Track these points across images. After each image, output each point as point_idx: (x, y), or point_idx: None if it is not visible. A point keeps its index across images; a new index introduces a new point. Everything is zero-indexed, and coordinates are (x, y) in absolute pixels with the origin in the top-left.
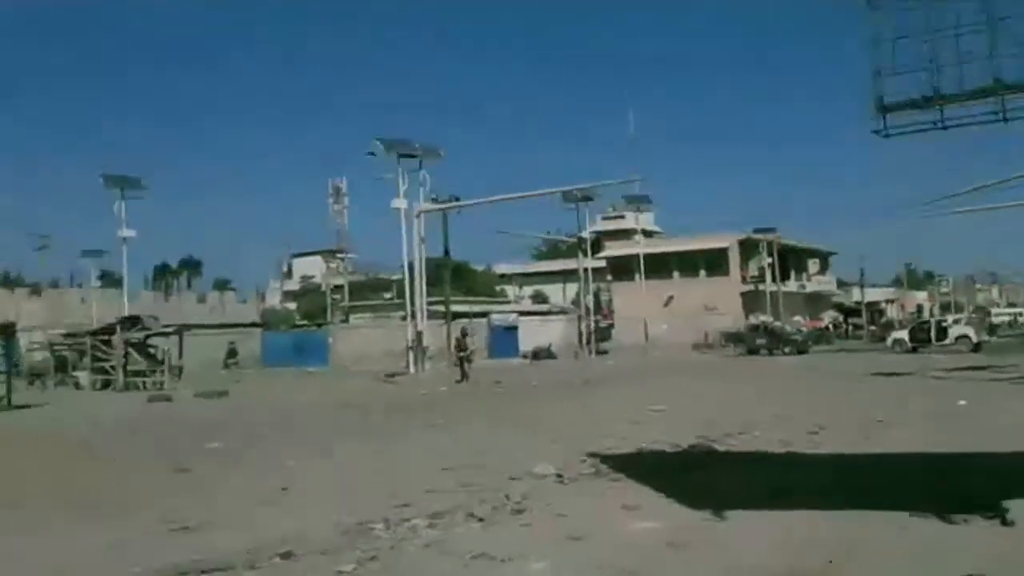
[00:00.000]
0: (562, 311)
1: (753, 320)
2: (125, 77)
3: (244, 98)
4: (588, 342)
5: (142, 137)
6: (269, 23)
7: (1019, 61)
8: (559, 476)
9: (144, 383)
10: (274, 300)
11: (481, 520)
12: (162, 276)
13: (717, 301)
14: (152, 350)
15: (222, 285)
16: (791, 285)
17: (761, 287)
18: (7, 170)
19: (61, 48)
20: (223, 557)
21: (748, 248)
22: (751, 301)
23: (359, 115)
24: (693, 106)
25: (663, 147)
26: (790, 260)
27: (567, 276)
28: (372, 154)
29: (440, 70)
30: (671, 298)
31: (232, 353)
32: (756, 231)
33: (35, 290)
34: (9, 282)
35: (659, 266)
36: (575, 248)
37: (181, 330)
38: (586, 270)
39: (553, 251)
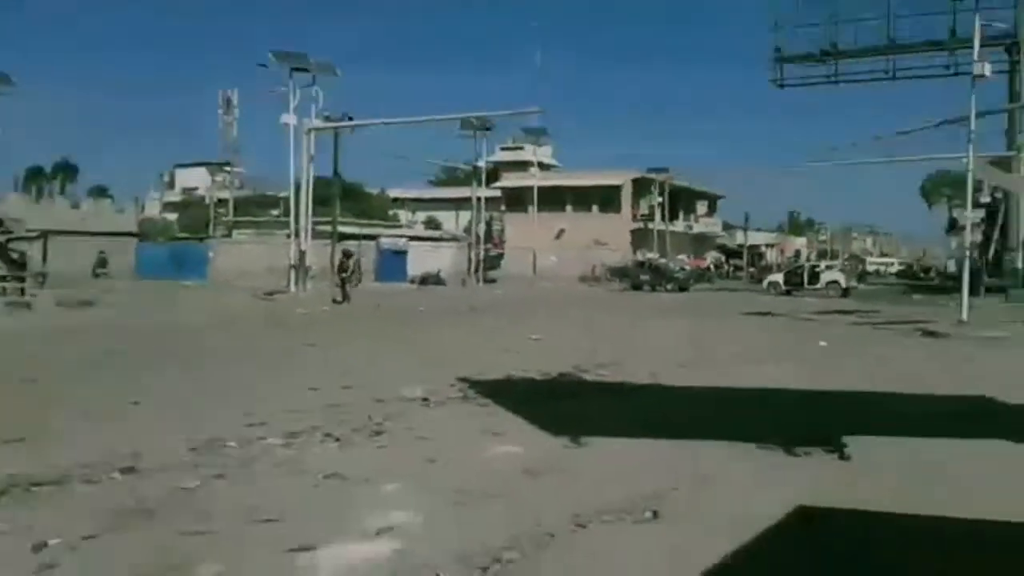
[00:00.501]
0: (453, 238)
1: (639, 257)
2: None
3: None
4: (477, 270)
5: (17, 29)
6: None
7: (912, 23)
8: (425, 399)
9: (4, 288)
10: (153, 211)
11: (338, 440)
12: (35, 179)
13: (608, 237)
14: (15, 255)
15: (99, 192)
16: (679, 225)
17: (651, 225)
18: None
19: None
20: (58, 471)
21: (641, 187)
22: (640, 239)
23: (258, 26)
24: (601, 44)
25: (567, 81)
26: (680, 201)
27: (461, 204)
28: (264, 66)
29: None
30: (562, 231)
31: (102, 262)
32: (650, 171)
33: None
34: None
35: (554, 200)
36: (472, 177)
37: (46, 234)
38: (480, 199)
39: (450, 179)
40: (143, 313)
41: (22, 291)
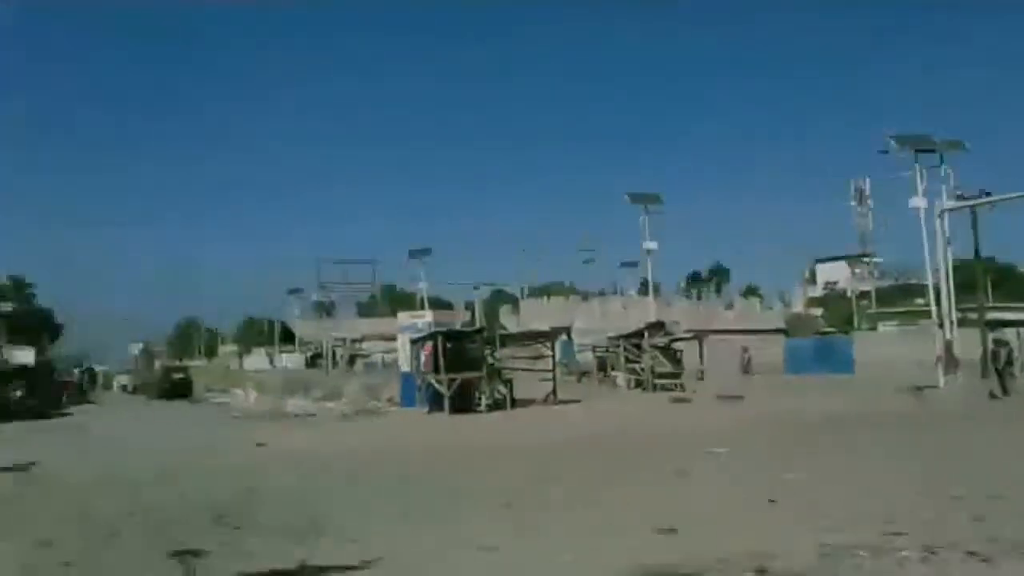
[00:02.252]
0: None
1: None
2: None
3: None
4: None
5: (667, 155)
6: None
7: None
8: None
9: (671, 384)
10: (798, 306)
11: (985, 561)
12: (694, 283)
13: None
14: (677, 354)
15: (749, 292)
16: None
17: None
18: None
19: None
20: (699, 565)
21: None
22: None
23: (869, 112)
24: None
25: None
26: None
27: None
28: (885, 152)
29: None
30: None
31: (746, 361)
32: None
33: (585, 297)
34: (565, 290)
35: None
36: None
37: (700, 336)
38: None
39: None
40: (789, 408)
41: (682, 387)
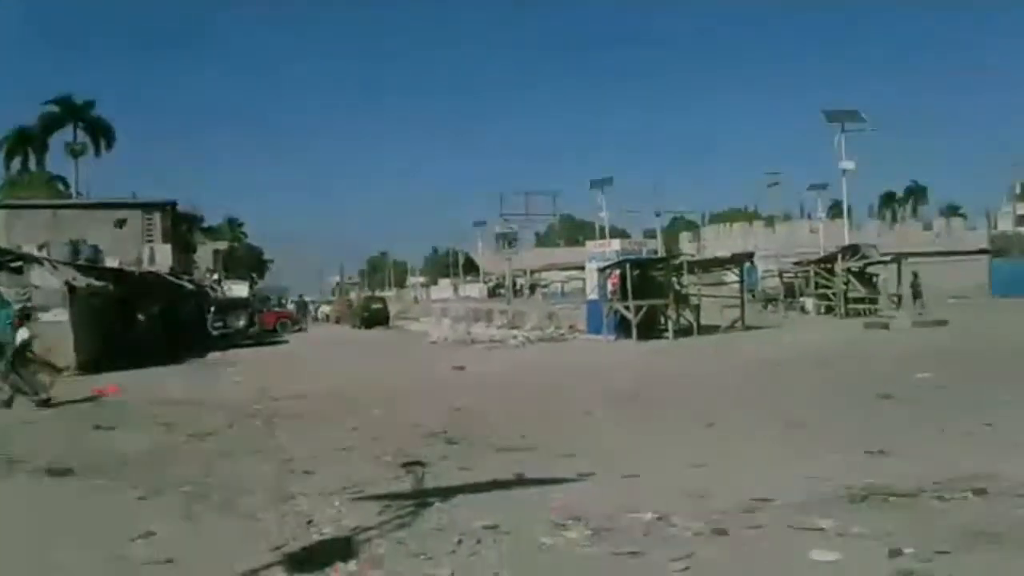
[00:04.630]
0: None
1: None
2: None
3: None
4: None
5: (858, 70)
6: None
7: None
8: None
9: (865, 310)
10: (1006, 225)
11: None
12: (888, 204)
13: None
14: (873, 278)
15: (950, 211)
16: None
17: None
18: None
19: None
20: (913, 484)
21: None
22: None
23: None
24: None
25: None
26: None
27: None
28: None
29: None
30: None
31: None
32: None
33: (769, 222)
34: (748, 215)
35: None
36: None
37: (899, 259)
38: None
39: None
40: (999, 336)
41: (878, 312)
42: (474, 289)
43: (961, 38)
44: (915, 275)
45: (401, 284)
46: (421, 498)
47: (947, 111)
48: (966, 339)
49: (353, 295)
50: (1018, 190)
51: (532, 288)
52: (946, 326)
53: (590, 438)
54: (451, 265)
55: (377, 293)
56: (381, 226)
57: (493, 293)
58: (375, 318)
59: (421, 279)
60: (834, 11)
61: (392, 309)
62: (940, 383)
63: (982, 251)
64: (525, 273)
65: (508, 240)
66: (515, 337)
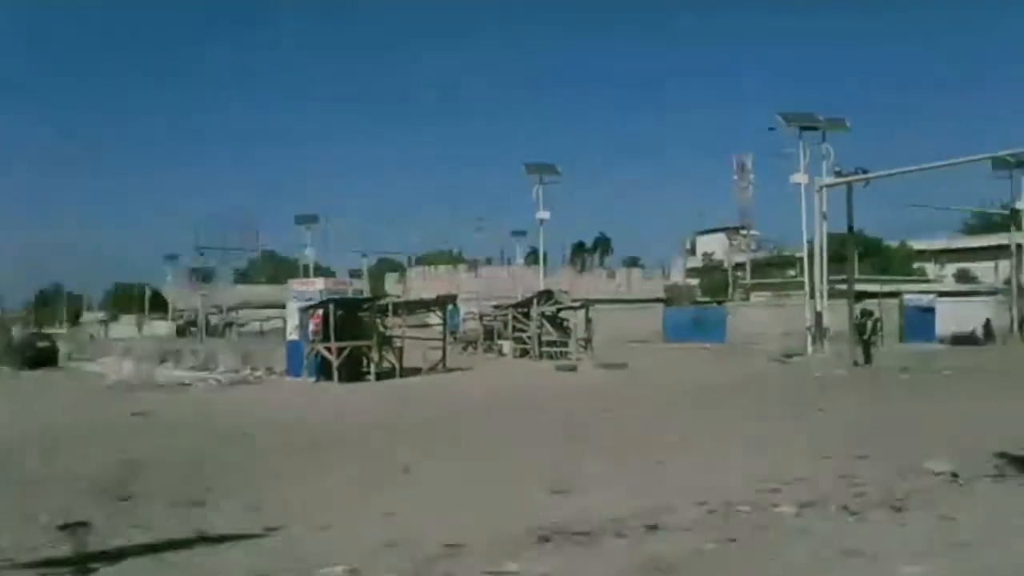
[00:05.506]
0: (991, 291)
1: None
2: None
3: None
4: (1021, 327)
5: (557, 126)
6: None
7: None
8: (954, 475)
9: (556, 353)
10: (678, 277)
11: (855, 514)
12: (578, 253)
13: None
14: (564, 323)
15: (631, 262)
16: None
17: None
18: (447, 166)
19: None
20: (595, 523)
21: None
22: None
23: (761, 90)
24: None
25: None
26: None
27: (1000, 252)
28: (773, 129)
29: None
30: None
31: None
32: None
33: (472, 266)
34: (452, 258)
35: None
36: (1010, 220)
37: (587, 305)
38: (1020, 245)
39: (986, 225)
40: (665, 376)
41: (568, 355)
42: (162, 327)
43: (647, 103)
44: (588, 320)
45: (75, 320)
46: (84, 564)
47: (633, 172)
48: (639, 380)
49: (15, 330)
50: (688, 246)
51: (227, 327)
52: (625, 368)
53: (279, 487)
54: (137, 301)
55: (45, 330)
56: (55, 257)
57: (184, 332)
58: (41, 357)
59: (100, 315)
60: (538, 76)
61: (65, 348)
62: (621, 419)
63: (657, 299)
64: (221, 311)
65: (202, 275)
66: (205, 379)
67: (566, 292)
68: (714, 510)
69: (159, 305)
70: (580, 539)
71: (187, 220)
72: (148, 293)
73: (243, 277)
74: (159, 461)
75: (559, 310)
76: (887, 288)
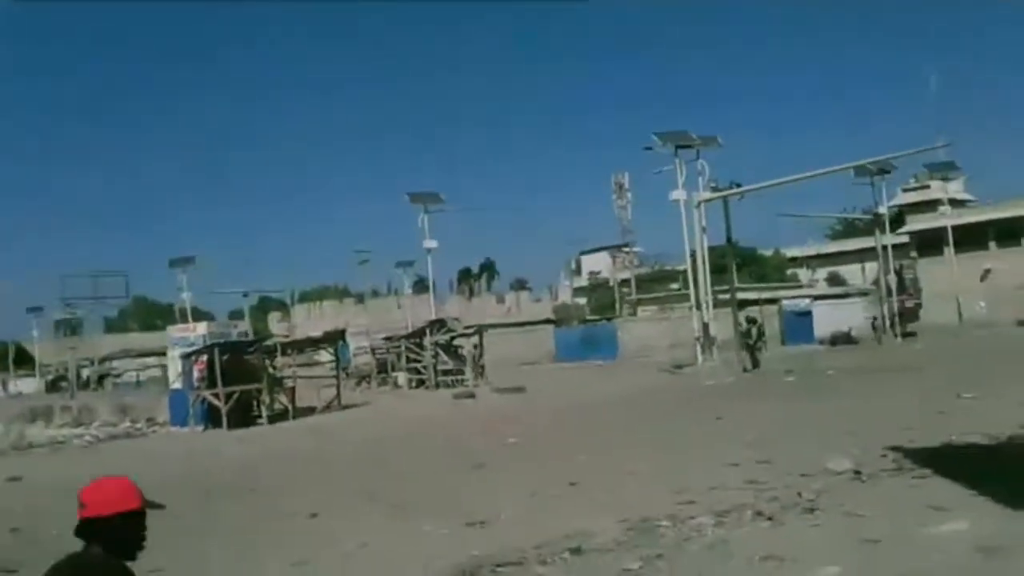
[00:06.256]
0: (861, 292)
1: None
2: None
3: (532, 108)
4: (892, 325)
5: (440, 153)
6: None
7: None
8: (856, 472)
9: (453, 381)
10: (565, 297)
11: (770, 519)
12: (465, 279)
13: None
14: (459, 350)
15: (518, 285)
16: None
17: None
18: (329, 198)
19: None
20: (517, 552)
21: None
22: None
23: (636, 109)
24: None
25: (971, 101)
26: None
27: (865, 255)
28: (649, 148)
29: (713, 55)
30: (988, 272)
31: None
32: None
33: (359, 299)
34: (338, 292)
35: (973, 238)
36: (874, 225)
37: (480, 330)
38: (885, 247)
39: (850, 230)
40: (565, 396)
41: (464, 382)
42: (30, 384)
43: (528, 132)
44: (480, 345)
45: None
46: None
47: (516, 197)
48: (539, 402)
49: None
50: (573, 266)
51: (101, 379)
52: (523, 392)
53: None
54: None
55: None
56: None
57: (54, 387)
58: None
59: None
60: (423, 103)
61: None
62: (526, 447)
63: (547, 320)
64: (93, 363)
65: (71, 327)
66: (81, 436)
67: (457, 319)
68: (634, 528)
69: (25, 361)
70: (507, 571)
71: (51, 272)
72: (12, 349)
73: (114, 325)
74: (44, 530)
75: (452, 338)
76: (766, 295)
